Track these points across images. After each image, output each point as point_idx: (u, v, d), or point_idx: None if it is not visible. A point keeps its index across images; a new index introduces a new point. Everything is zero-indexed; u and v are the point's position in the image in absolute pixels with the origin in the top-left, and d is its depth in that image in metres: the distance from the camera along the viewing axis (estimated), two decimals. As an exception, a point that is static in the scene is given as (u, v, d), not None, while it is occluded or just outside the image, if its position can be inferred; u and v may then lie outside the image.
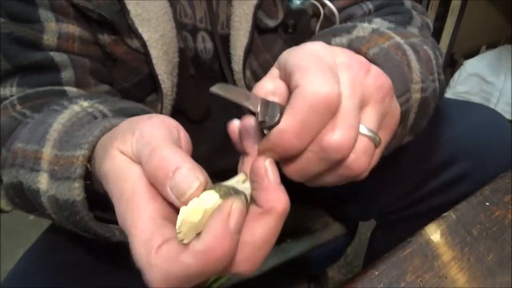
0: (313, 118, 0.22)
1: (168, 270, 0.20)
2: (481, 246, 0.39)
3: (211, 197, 0.20)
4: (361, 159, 0.24)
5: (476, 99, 1.54)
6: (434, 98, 0.37)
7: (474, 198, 0.44)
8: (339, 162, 0.24)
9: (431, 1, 1.54)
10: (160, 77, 0.48)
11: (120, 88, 0.52)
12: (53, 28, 0.43)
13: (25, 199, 0.36)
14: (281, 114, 0.23)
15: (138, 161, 0.24)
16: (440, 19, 1.54)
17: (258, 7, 0.47)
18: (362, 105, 0.25)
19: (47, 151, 0.32)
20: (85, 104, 0.37)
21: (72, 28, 0.45)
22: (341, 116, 0.23)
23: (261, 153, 0.24)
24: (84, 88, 0.47)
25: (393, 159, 0.54)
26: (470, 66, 1.57)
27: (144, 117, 0.27)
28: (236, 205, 0.21)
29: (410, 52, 0.33)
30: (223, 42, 0.51)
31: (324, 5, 0.50)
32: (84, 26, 0.46)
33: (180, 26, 0.49)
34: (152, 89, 0.50)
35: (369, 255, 0.73)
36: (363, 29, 0.34)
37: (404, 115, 0.32)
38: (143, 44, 0.46)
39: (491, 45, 1.68)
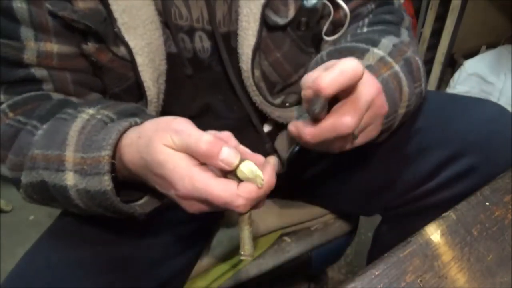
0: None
1: (249, 196, 0.33)
2: (481, 246, 0.39)
3: (252, 164, 0.34)
4: (346, 141, 0.39)
5: (476, 99, 1.54)
6: (419, 99, 0.49)
7: (474, 198, 0.44)
8: (344, 136, 0.36)
9: (431, 1, 1.54)
10: (145, 84, 0.49)
11: (111, 94, 0.53)
12: (32, 46, 0.46)
13: (43, 194, 0.43)
14: (322, 106, 0.35)
15: (181, 149, 0.34)
16: (440, 19, 1.54)
17: (266, 6, 0.48)
18: (367, 108, 0.37)
19: (69, 154, 0.39)
20: (91, 111, 0.42)
21: (50, 46, 0.47)
22: (359, 113, 0.36)
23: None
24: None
25: (400, 152, 0.54)
26: (470, 66, 1.57)
27: (168, 118, 0.36)
28: (275, 160, 0.38)
29: (403, 78, 0.44)
30: (222, 40, 0.51)
31: (335, 5, 0.52)
32: (65, 41, 0.47)
33: (176, 29, 0.50)
34: (141, 95, 0.51)
35: (374, 252, 0.73)
36: (373, 55, 0.45)
37: (390, 125, 0.46)
38: (129, 51, 0.47)
39: (491, 45, 1.68)
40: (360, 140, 0.40)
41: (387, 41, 0.48)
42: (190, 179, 0.33)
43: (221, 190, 0.32)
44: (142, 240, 0.54)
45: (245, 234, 0.35)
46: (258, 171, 0.34)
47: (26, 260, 0.48)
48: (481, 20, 1.64)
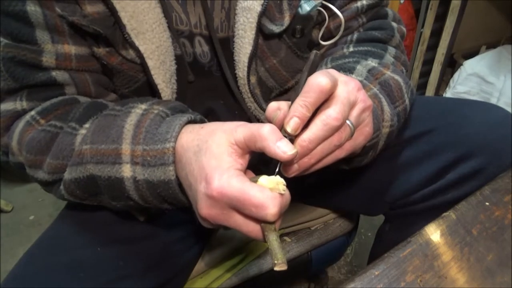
0: (315, 98, 0.35)
1: (282, 201, 0.34)
2: (481, 246, 0.39)
3: (273, 177, 0.35)
4: (343, 133, 0.37)
5: (476, 99, 1.54)
6: (404, 115, 0.50)
7: (474, 198, 0.44)
8: (336, 128, 0.36)
9: (431, 1, 1.54)
10: (159, 86, 0.50)
11: (121, 94, 0.53)
12: (50, 49, 0.45)
13: (88, 189, 0.44)
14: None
15: (243, 145, 0.36)
16: (440, 19, 1.54)
17: (262, 15, 0.48)
18: (352, 105, 0.38)
19: (126, 147, 0.40)
20: (143, 106, 0.43)
21: (68, 48, 0.46)
22: (341, 104, 0.36)
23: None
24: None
25: (405, 153, 0.55)
26: (470, 66, 1.57)
27: (235, 123, 0.38)
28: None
29: (383, 99, 0.46)
30: (220, 44, 0.52)
31: (328, 11, 0.53)
32: (80, 42, 0.47)
33: (177, 34, 0.50)
34: (151, 95, 0.52)
35: (376, 251, 0.73)
36: (357, 76, 0.47)
37: (375, 144, 0.46)
38: (140, 55, 0.47)
39: (491, 45, 1.68)
40: (357, 137, 0.40)
41: (362, 68, 0.48)
42: (229, 178, 0.33)
43: (258, 191, 0.33)
44: (142, 241, 0.54)
45: (275, 244, 0.34)
46: (278, 178, 0.35)
47: (26, 261, 0.48)
48: (481, 20, 1.64)
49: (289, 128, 0.35)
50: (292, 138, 0.36)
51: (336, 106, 0.35)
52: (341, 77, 0.38)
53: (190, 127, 0.40)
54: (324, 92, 0.35)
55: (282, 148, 0.33)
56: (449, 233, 0.40)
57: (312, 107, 0.35)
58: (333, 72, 0.37)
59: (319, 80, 0.34)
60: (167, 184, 0.39)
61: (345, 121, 0.37)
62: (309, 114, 0.35)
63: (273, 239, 0.34)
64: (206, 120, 0.44)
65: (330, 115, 0.35)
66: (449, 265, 0.37)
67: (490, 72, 1.53)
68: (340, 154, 0.39)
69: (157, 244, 0.56)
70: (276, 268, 0.33)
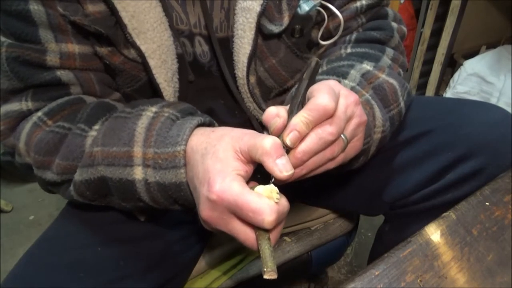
0: (317, 118, 0.36)
1: (280, 209, 0.34)
2: (481, 246, 0.39)
3: (268, 186, 0.36)
4: (336, 147, 0.38)
5: (476, 99, 1.54)
6: (399, 118, 0.51)
7: (474, 198, 0.44)
8: (331, 143, 0.37)
9: (431, 1, 1.54)
10: (161, 86, 0.50)
11: (123, 93, 0.53)
12: (54, 48, 0.45)
13: (98, 190, 0.44)
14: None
15: (246, 155, 0.36)
16: (440, 19, 1.54)
17: (261, 15, 0.48)
18: (348, 119, 0.38)
19: (138, 150, 0.41)
20: (154, 109, 0.43)
21: (71, 47, 0.47)
22: (338, 119, 0.37)
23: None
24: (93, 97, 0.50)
25: (405, 154, 0.55)
26: (470, 66, 1.57)
27: (244, 130, 0.38)
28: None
29: (375, 105, 0.46)
30: (219, 45, 0.52)
31: (327, 11, 0.53)
32: (83, 41, 0.48)
33: (177, 33, 0.50)
34: (153, 94, 0.52)
35: (376, 251, 0.73)
36: (344, 85, 0.47)
37: (366, 149, 0.47)
38: (141, 55, 0.47)
39: (491, 45, 1.68)
40: (348, 151, 0.40)
41: (355, 72, 0.49)
42: (231, 182, 0.34)
43: (256, 196, 0.33)
44: (143, 240, 0.54)
45: (267, 252, 0.33)
46: (272, 186, 0.35)
47: (26, 261, 0.48)
48: (481, 20, 1.64)
49: (288, 141, 0.35)
50: (287, 149, 0.36)
51: (333, 121, 0.36)
52: (342, 90, 0.39)
53: (202, 130, 0.40)
54: (327, 114, 0.36)
55: (279, 167, 0.34)
56: (449, 233, 0.40)
57: (312, 125, 0.36)
58: (335, 86, 0.38)
59: (326, 102, 0.35)
60: (178, 186, 0.40)
61: (340, 136, 0.38)
62: (307, 131, 0.36)
63: (265, 247, 0.34)
64: (215, 122, 0.44)
65: (326, 129, 0.36)
66: (449, 265, 0.37)
67: (490, 72, 1.53)
68: (330, 165, 0.40)
69: (158, 244, 0.56)
70: (266, 276, 0.32)
